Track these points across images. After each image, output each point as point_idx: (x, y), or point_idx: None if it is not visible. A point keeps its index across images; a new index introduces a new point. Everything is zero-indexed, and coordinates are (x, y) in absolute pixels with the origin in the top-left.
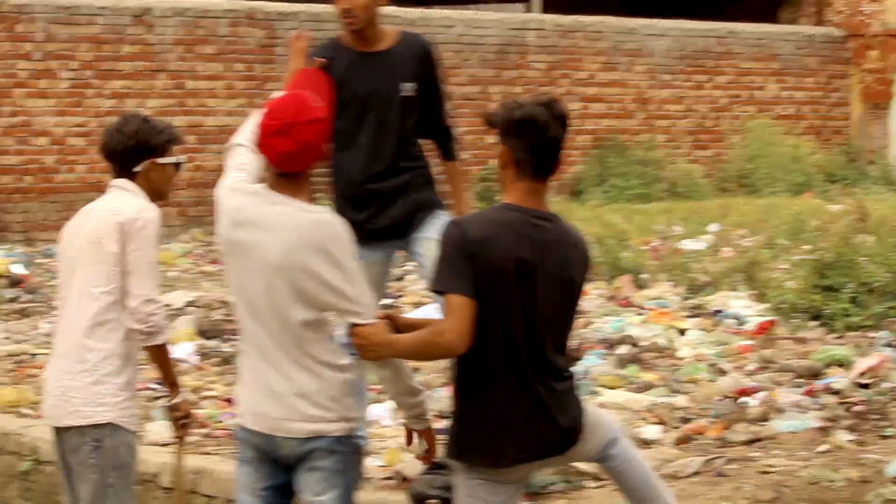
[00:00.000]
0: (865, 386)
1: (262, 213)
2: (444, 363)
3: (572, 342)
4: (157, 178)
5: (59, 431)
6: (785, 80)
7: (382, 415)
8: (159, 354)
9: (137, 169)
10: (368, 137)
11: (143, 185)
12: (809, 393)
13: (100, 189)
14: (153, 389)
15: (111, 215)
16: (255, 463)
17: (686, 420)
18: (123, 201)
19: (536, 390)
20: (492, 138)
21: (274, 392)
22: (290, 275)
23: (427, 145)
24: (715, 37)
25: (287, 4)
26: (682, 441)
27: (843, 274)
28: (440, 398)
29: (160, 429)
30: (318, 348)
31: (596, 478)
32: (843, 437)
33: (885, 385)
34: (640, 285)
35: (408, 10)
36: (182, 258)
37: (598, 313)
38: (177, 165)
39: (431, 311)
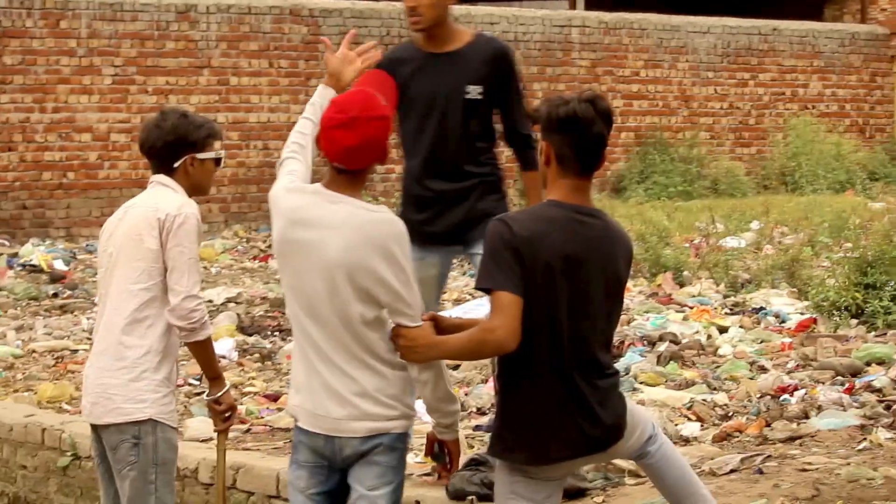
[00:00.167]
0: None
1: (323, 211)
2: (484, 360)
3: (615, 339)
4: (196, 174)
5: (99, 429)
6: (828, 78)
7: (422, 411)
8: (202, 350)
9: (177, 165)
10: (430, 139)
11: (182, 180)
12: (849, 391)
13: (142, 185)
14: (192, 385)
15: (151, 211)
16: (311, 468)
17: (726, 417)
18: (163, 197)
19: (580, 387)
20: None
21: (334, 393)
22: (352, 272)
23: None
24: (758, 34)
25: (331, 1)
26: (721, 438)
27: (884, 272)
28: (480, 395)
29: (199, 424)
30: (379, 346)
31: (635, 475)
32: (882, 434)
33: None
34: (682, 282)
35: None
36: (223, 254)
37: (639, 310)
38: (217, 160)
39: (473, 308)
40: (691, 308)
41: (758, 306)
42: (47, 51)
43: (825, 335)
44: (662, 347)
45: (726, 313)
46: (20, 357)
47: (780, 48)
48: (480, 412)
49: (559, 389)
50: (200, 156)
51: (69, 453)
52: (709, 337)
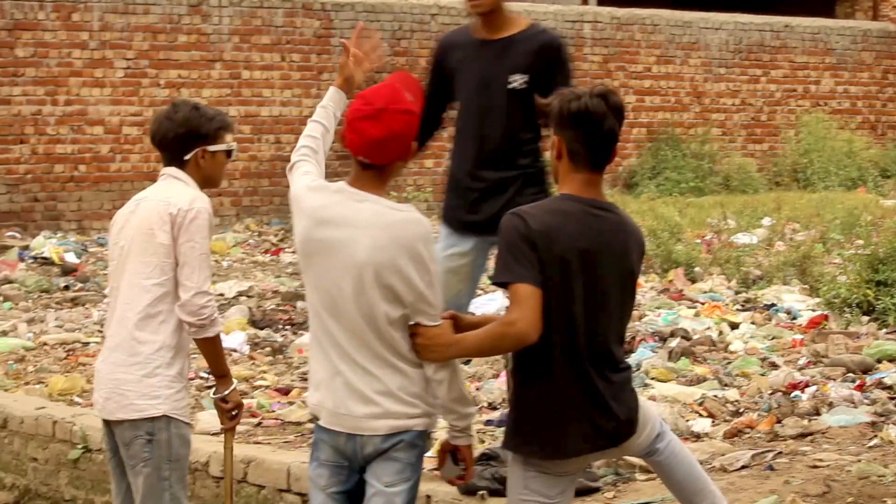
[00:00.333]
0: None
1: (348, 210)
2: (495, 355)
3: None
4: (208, 166)
5: (112, 424)
6: (840, 75)
7: None
8: (210, 347)
9: (188, 157)
10: (472, 126)
11: (194, 172)
12: (860, 387)
13: (154, 178)
14: (203, 378)
15: (163, 206)
16: (331, 467)
17: (736, 413)
18: (175, 191)
19: (595, 382)
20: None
21: (356, 391)
22: (379, 272)
23: None
24: (770, 31)
25: None
26: (732, 434)
27: (895, 269)
28: (491, 390)
29: (210, 417)
30: (402, 344)
31: (645, 470)
32: (893, 431)
33: None
34: (693, 278)
35: None
36: (235, 248)
37: (650, 306)
38: (228, 152)
39: (484, 303)
40: (703, 304)
41: (769, 303)
42: (59, 43)
43: (836, 332)
44: (674, 343)
45: (737, 309)
46: (31, 349)
47: (792, 45)
48: (491, 407)
49: (574, 384)
50: (212, 148)
51: (80, 446)
52: (720, 333)
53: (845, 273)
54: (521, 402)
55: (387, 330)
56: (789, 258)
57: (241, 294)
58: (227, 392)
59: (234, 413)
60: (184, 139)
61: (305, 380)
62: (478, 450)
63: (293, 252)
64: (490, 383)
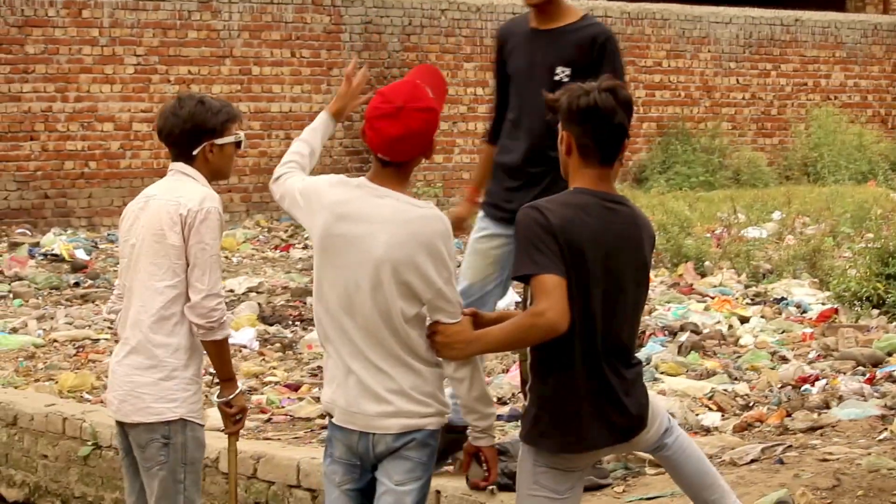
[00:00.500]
0: None
1: (368, 206)
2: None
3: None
4: (216, 159)
5: (126, 426)
6: (850, 69)
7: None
8: (218, 349)
9: (196, 152)
10: (515, 115)
11: (202, 167)
12: (870, 381)
13: (164, 175)
14: (212, 375)
15: (173, 206)
16: (345, 464)
17: (746, 407)
18: (184, 190)
19: (608, 377)
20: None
21: (369, 390)
22: (397, 269)
23: None
24: (781, 25)
25: None
26: (742, 428)
27: None
28: (501, 385)
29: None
30: (417, 343)
31: (655, 464)
32: None
33: None
34: (703, 273)
35: None
36: (245, 244)
37: (660, 300)
38: (237, 144)
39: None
40: (713, 298)
41: (779, 296)
42: (69, 40)
43: (846, 325)
44: (683, 337)
45: (747, 303)
46: (41, 346)
47: (802, 39)
48: (501, 402)
49: (590, 378)
50: (220, 141)
51: (90, 443)
52: (730, 327)
53: (855, 267)
54: (539, 396)
55: (402, 327)
56: (799, 252)
57: (250, 290)
58: (231, 396)
59: (238, 417)
60: (191, 134)
61: (315, 375)
62: None
63: (303, 248)
64: (499, 378)
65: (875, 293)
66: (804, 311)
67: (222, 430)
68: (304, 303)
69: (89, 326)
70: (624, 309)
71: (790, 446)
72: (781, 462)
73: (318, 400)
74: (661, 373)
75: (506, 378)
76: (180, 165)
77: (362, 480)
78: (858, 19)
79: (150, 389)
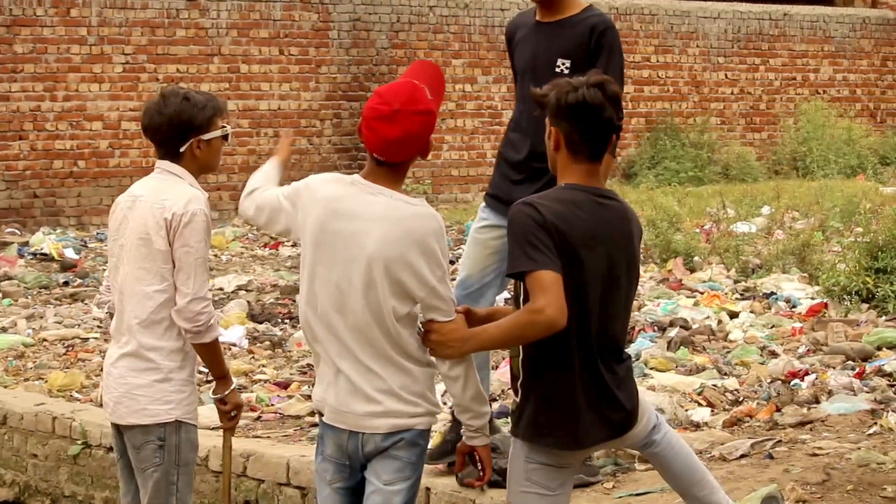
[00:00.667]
0: None
1: (362, 203)
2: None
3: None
4: (204, 155)
5: (122, 428)
6: (839, 63)
7: None
8: (208, 351)
9: (183, 149)
10: (518, 107)
11: (189, 164)
12: (860, 375)
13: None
14: (202, 373)
15: (158, 210)
16: (335, 463)
17: (736, 402)
18: (170, 192)
19: (602, 372)
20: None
21: (358, 389)
22: (389, 266)
23: None
24: (769, 19)
25: None
26: (732, 423)
27: (895, 256)
28: (490, 381)
29: (209, 412)
30: (408, 342)
31: (644, 461)
32: (893, 419)
33: None
34: (692, 268)
35: None
36: (234, 242)
37: (649, 296)
38: (224, 137)
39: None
40: (702, 293)
41: (768, 291)
42: (58, 39)
43: (836, 320)
44: (673, 333)
45: (737, 298)
46: (31, 346)
47: (790, 33)
48: (491, 398)
49: (585, 374)
50: (206, 137)
51: (80, 442)
52: (719, 322)
53: (845, 261)
54: (535, 393)
55: (394, 326)
56: (788, 246)
57: (240, 288)
58: (226, 393)
59: (233, 414)
60: (177, 132)
61: (304, 373)
62: None
63: (292, 246)
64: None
65: (864, 287)
66: (793, 306)
67: (216, 427)
68: (294, 301)
69: (79, 325)
70: (617, 304)
71: (780, 441)
72: (771, 457)
73: (308, 398)
74: (651, 368)
75: (495, 374)
76: (167, 164)
77: (353, 479)
78: (847, 13)
79: (146, 391)
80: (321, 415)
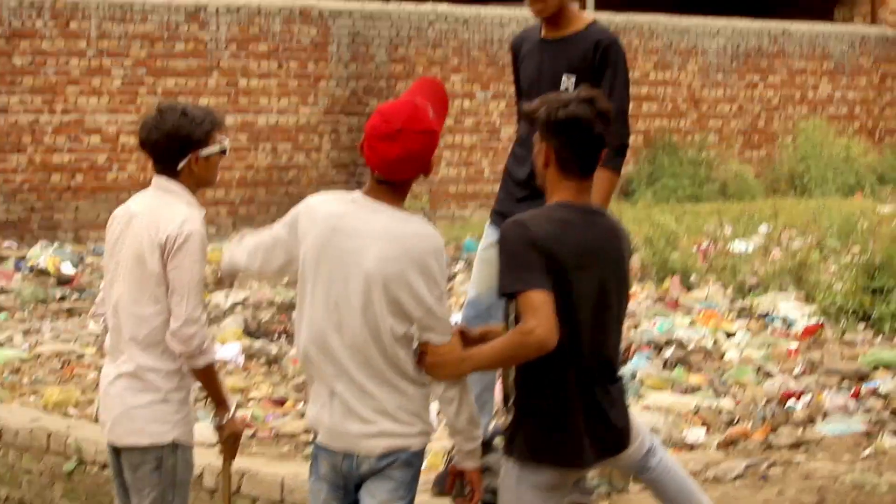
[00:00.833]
0: None
1: (362, 220)
2: None
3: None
4: (202, 170)
5: (118, 448)
6: (838, 80)
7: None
8: (205, 375)
9: (181, 165)
10: (525, 126)
11: (187, 179)
12: (856, 395)
13: None
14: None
15: (153, 230)
16: (330, 483)
17: (731, 423)
18: (166, 212)
19: (595, 392)
20: None
21: (353, 410)
22: (387, 284)
23: None
24: (768, 36)
25: (341, 3)
26: (727, 444)
27: (892, 276)
28: None
29: (204, 429)
30: (404, 363)
31: (638, 481)
32: (888, 441)
33: None
34: (689, 286)
35: (462, 7)
36: None
37: (646, 314)
38: (222, 151)
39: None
40: (699, 312)
41: (764, 311)
42: (57, 52)
43: (832, 340)
44: (669, 352)
45: (733, 318)
46: (26, 360)
47: (789, 50)
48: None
49: (579, 394)
50: (204, 152)
51: (74, 458)
52: (715, 342)
53: (842, 280)
54: (529, 413)
55: (391, 346)
56: (786, 266)
57: (236, 304)
58: (223, 421)
59: (232, 442)
60: (175, 148)
61: (300, 391)
62: None
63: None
64: None
65: (861, 307)
66: (790, 326)
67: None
68: (290, 317)
69: (75, 340)
70: (609, 322)
71: (774, 463)
72: (765, 478)
73: (303, 416)
74: (646, 388)
75: None
76: (164, 181)
77: (347, 499)
78: (846, 30)
79: (144, 412)
80: (316, 433)
